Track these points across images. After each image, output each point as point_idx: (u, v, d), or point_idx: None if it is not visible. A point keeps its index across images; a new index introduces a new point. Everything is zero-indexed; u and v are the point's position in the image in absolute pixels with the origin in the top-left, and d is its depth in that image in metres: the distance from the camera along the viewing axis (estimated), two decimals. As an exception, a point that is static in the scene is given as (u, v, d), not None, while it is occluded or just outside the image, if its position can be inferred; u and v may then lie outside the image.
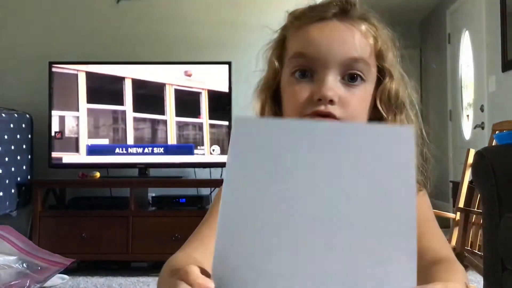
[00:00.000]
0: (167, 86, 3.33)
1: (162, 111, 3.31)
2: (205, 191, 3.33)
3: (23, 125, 3.23)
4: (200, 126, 3.28)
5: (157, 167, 3.31)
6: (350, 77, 0.80)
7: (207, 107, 3.28)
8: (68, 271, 2.81)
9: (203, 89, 3.29)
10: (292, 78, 0.81)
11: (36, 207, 3.08)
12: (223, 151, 3.22)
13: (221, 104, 3.25)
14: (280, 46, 0.86)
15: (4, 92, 3.48)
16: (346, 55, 0.79)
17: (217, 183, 3.19)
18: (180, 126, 3.31)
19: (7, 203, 3.00)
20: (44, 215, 3.10)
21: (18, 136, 3.15)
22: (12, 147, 3.08)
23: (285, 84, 0.83)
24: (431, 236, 0.76)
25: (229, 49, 3.50)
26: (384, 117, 0.82)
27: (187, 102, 3.32)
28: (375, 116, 0.83)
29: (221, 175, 3.30)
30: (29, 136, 3.28)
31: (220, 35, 3.54)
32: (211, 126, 3.26)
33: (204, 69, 3.30)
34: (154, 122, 3.32)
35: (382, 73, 0.83)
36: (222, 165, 3.23)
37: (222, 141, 3.24)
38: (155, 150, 3.27)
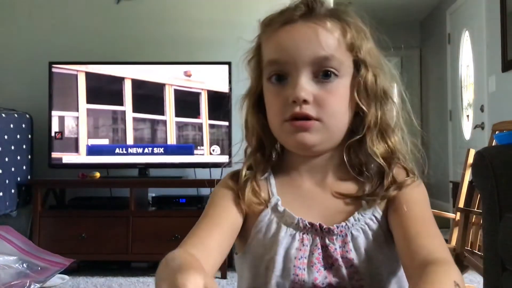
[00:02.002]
0: (166, 87, 3.32)
1: (162, 111, 3.31)
2: (205, 191, 3.32)
3: (23, 125, 3.22)
4: (199, 126, 3.28)
5: (157, 167, 3.30)
6: (324, 75, 0.79)
7: (207, 107, 3.28)
8: (68, 271, 2.81)
9: (202, 89, 3.29)
10: (269, 84, 0.82)
11: (36, 207, 3.08)
12: (223, 151, 3.22)
13: (221, 104, 3.25)
14: (257, 54, 0.87)
15: (4, 92, 3.48)
16: (314, 54, 0.78)
17: (217, 183, 3.18)
18: (180, 126, 3.31)
19: (7, 203, 3.00)
20: (44, 215, 3.10)
21: (18, 136, 3.15)
22: (12, 147, 3.08)
23: (265, 91, 0.84)
24: (426, 234, 0.75)
25: (229, 49, 3.50)
26: (365, 110, 0.81)
27: (187, 102, 3.31)
28: (360, 109, 0.82)
29: (221, 175, 3.29)
30: (29, 136, 3.28)
31: (219, 35, 3.53)
32: (211, 126, 3.26)
33: (203, 69, 3.30)
34: (154, 122, 3.31)
35: (358, 65, 0.82)
36: (222, 165, 3.23)
37: (222, 141, 3.24)
38: (155, 150, 3.27)
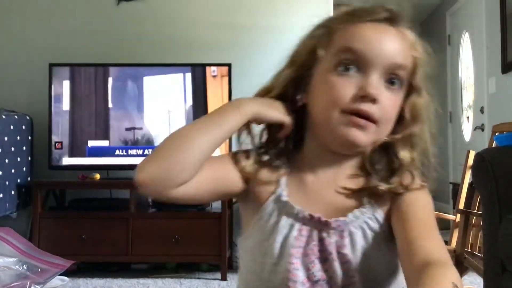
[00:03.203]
0: (168, 88, 3.33)
1: (162, 113, 3.31)
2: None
3: (23, 127, 3.22)
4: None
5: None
6: (390, 81, 0.80)
7: (208, 108, 3.28)
8: (68, 272, 2.81)
9: (203, 90, 3.29)
10: (334, 72, 0.81)
11: (36, 208, 3.08)
12: (223, 153, 3.22)
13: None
14: (326, 37, 0.84)
15: (4, 94, 3.48)
16: (394, 59, 0.80)
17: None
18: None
19: (7, 204, 3.00)
20: (44, 217, 3.10)
21: (18, 137, 3.15)
22: (12, 149, 3.08)
23: (322, 78, 0.82)
24: (426, 236, 0.75)
25: (229, 50, 3.51)
26: (405, 126, 0.83)
27: (188, 104, 3.31)
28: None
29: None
30: (29, 137, 3.28)
31: (220, 37, 3.54)
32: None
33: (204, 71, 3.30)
34: (154, 124, 3.31)
35: (408, 86, 0.83)
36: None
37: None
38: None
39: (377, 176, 0.83)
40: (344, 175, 0.85)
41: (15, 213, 3.09)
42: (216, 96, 3.28)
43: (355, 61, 0.79)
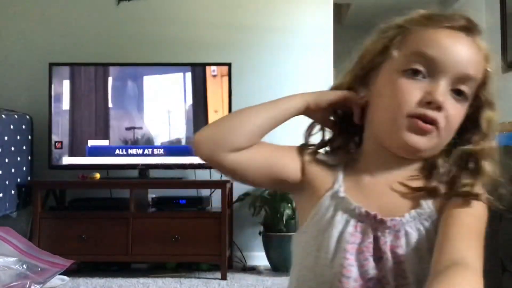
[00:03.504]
0: (167, 88, 3.33)
1: (162, 112, 3.31)
2: (205, 192, 3.32)
3: (23, 126, 3.22)
4: (200, 127, 3.27)
5: (157, 168, 3.30)
6: (456, 92, 0.80)
7: (208, 108, 3.28)
8: (68, 272, 2.81)
9: (203, 90, 3.29)
10: (403, 74, 0.80)
11: (36, 208, 3.07)
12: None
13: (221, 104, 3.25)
14: (400, 38, 0.84)
15: (4, 93, 3.48)
16: (465, 70, 0.79)
17: (217, 184, 3.19)
18: (181, 127, 3.31)
19: (7, 204, 3.00)
20: (44, 217, 3.10)
21: (18, 137, 3.15)
22: (12, 148, 3.08)
23: (389, 78, 0.82)
24: (463, 240, 0.73)
25: (229, 50, 3.51)
26: (482, 137, 0.83)
27: (188, 103, 3.31)
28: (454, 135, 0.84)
29: (221, 176, 3.30)
30: (29, 137, 3.28)
31: (220, 37, 3.54)
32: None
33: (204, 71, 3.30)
34: (154, 123, 3.31)
35: (477, 100, 0.84)
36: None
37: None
38: (155, 151, 3.27)
39: (439, 180, 0.82)
40: (402, 176, 0.84)
41: (15, 213, 3.09)
42: (216, 96, 3.28)
43: (426, 66, 0.79)
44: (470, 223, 0.77)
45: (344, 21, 5.26)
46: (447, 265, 0.68)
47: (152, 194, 3.30)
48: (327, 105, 0.88)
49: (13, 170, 3.06)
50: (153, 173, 3.32)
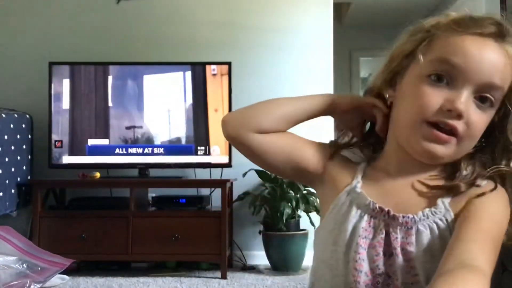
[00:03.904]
0: (167, 87, 3.33)
1: (162, 111, 3.32)
2: (205, 191, 3.33)
3: (23, 125, 3.22)
4: (200, 127, 3.28)
5: (157, 167, 3.30)
6: (481, 99, 0.79)
7: (208, 107, 3.28)
8: (68, 271, 2.81)
9: (203, 89, 3.29)
10: (426, 79, 0.80)
11: (36, 207, 3.08)
12: (223, 152, 3.22)
13: (221, 104, 3.25)
14: (426, 42, 0.83)
15: (4, 93, 3.48)
16: (490, 78, 0.78)
17: (217, 183, 3.19)
18: (181, 126, 3.31)
19: (7, 203, 3.00)
20: (44, 216, 3.10)
21: (18, 136, 3.15)
22: (12, 147, 3.08)
23: (413, 84, 0.82)
24: (476, 242, 0.73)
25: (229, 49, 3.51)
26: (508, 148, 0.83)
27: (188, 102, 3.31)
28: (479, 142, 0.83)
29: (221, 175, 3.30)
30: (29, 136, 3.28)
31: (220, 36, 3.54)
32: (212, 126, 3.26)
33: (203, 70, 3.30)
34: (154, 122, 3.31)
35: (505, 106, 0.82)
36: (221, 165, 3.23)
37: (222, 141, 3.24)
38: (155, 150, 3.27)
39: (461, 180, 0.82)
40: (421, 177, 0.85)
41: (15, 212, 3.09)
42: (216, 95, 3.28)
43: (450, 74, 0.79)
44: (486, 228, 0.76)
45: (344, 21, 5.25)
46: (455, 265, 0.68)
47: (152, 193, 3.31)
48: (352, 108, 0.90)
49: (13, 169, 3.07)
50: (153, 173, 3.33)
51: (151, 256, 3.14)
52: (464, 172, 0.82)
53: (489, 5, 3.93)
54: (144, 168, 3.28)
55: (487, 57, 0.78)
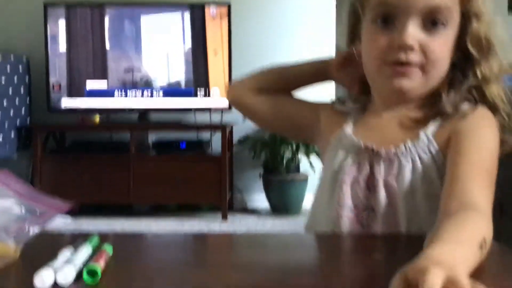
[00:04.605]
0: (166, 29, 3.26)
1: (161, 55, 3.27)
2: (205, 135, 3.32)
3: (20, 68, 3.18)
4: (200, 69, 3.24)
5: (157, 111, 3.29)
6: (432, 23, 0.80)
7: (207, 50, 3.22)
8: (70, 213, 2.84)
9: (202, 32, 3.23)
10: (373, 25, 0.82)
11: (36, 151, 3.08)
12: (223, 93, 3.19)
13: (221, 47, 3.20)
14: None
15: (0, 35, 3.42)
16: (428, 3, 0.79)
17: (217, 127, 3.18)
18: (180, 69, 3.27)
19: (7, 146, 3.00)
20: (44, 160, 3.11)
21: (16, 79, 3.11)
22: (10, 91, 3.05)
23: (366, 32, 0.85)
24: (473, 180, 0.73)
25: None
26: (474, 59, 0.82)
27: (187, 46, 3.26)
28: (458, 59, 0.83)
29: (221, 119, 3.28)
30: (27, 79, 3.24)
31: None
32: (211, 69, 3.22)
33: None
34: (152, 65, 3.27)
35: (466, 16, 0.82)
36: (221, 109, 3.21)
37: (221, 83, 3.20)
38: (154, 93, 3.24)
39: (444, 106, 0.83)
40: (406, 113, 0.86)
41: (15, 155, 3.10)
42: (215, 38, 3.22)
43: (391, 13, 0.80)
44: (480, 161, 0.76)
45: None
46: (458, 207, 0.67)
47: (152, 137, 3.30)
48: (343, 64, 0.92)
49: (11, 113, 3.05)
50: (153, 116, 3.31)
51: (152, 198, 3.17)
52: (446, 99, 0.83)
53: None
54: (143, 112, 3.26)
55: None
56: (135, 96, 3.23)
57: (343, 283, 0.58)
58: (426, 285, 0.44)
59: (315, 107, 0.95)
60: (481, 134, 0.79)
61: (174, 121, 3.30)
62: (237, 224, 2.98)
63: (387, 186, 0.80)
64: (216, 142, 3.23)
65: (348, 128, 0.87)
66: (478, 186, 0.72)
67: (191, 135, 3.30)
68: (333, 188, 0.84)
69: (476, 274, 0.52)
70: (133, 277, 0.59)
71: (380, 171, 0.81)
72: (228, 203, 3.14)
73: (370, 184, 0.82)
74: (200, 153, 3.15)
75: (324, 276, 0.61)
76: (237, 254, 0.74)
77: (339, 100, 0.95)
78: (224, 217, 3.05)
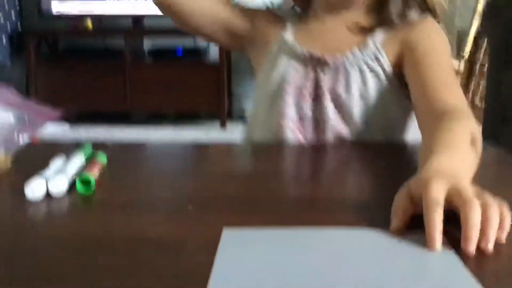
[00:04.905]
0: None
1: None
2: (202, 42, 3.23)
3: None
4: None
5: (153, 17, 3.18)
6: None
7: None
8: (68, 121, 2.83)
9: None
10: None
11: (29, 57, 3.01)
12: None
13: None
14: None
15: None
16: None
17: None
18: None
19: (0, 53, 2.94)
20: (39, 66, 3.04)
21: (3, -18, 2.99)
22: (-2, -5, 2.94)
23: None
24: (444, 87, 0.71)
25: None
26: None
27: None
28: None
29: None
30: (15, -18, 3.12)
31: None
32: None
33: None
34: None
35: None
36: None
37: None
38: (149, -2, 3.12)
39: (390, 13, 0.80)
40: (351, 18, 0.82)
41: (8, 62, 3.04)
42: None
43: None
44: (442, 64, 0.74)
45: None
46: (438, 115, 0.65)
47: (148, 44, 3.22)
48: None
49: (1, 19, 2.95)
50: (148, 22, 3.20)
51: (150, 106, 3.14)
52: (393, 7, 0.79)
53: None
54: (138, 18, 3.15)
55: None
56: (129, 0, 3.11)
57: (341, 192, 0.57)
58: (429, 197, 0.42)
59: (250, 16, 0.87)
60: (435, 41, 0.77)
61: (170, 27, 3.20)
62: (236, 131, 2.98)
63: (333, 96, 0.77)
64: (213, 48, 3.15)
65: (289, 35, 0.82)
66: (448, 89, 0.71)
67: (187, 42, 3.22)
68: (274, 99, 0.80)
69: (478, 180, 0.50)
70: (127, 187, 0.57)
71: (325, 80, 0.78)
72: (227, 111, 3.12)
73: (315, 94, 0.78)
74: (197, 60, 3.08)
75: (324, 185, 0.61)
76: (235, 163, 0.72)
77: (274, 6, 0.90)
78: (223, 124, 3.04)
